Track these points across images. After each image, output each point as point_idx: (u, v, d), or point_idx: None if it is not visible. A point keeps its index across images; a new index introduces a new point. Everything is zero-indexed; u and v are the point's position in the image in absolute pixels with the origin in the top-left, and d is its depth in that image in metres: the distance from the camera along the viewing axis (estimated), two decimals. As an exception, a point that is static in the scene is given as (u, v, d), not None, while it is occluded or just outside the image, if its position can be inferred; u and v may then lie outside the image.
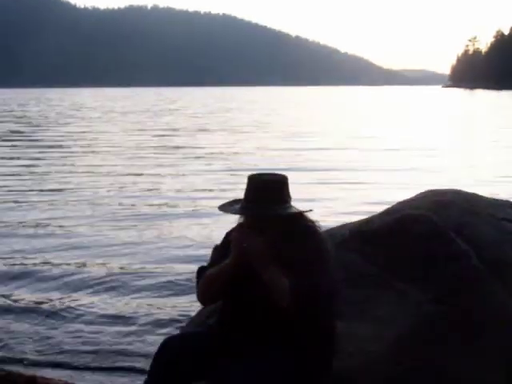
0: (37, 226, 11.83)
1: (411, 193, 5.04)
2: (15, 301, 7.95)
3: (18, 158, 22.85)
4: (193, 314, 5.55)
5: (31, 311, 7.64)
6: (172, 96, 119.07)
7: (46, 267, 9.28)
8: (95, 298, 8.12)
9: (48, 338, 6.84)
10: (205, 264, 3.64)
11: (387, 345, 3.71)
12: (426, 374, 3.66)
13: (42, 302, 7.91)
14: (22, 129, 36.90)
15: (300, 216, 3.46)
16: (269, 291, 3.24)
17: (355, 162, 19.68)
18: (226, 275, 3.38)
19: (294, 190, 3.53)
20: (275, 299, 3.23)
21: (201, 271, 3.57)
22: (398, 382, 3.62)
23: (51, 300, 8.02)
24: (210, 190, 15.23)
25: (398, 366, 3.65)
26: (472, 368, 3.70)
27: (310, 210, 3.47)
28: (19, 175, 18.46)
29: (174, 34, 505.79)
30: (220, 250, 3.58)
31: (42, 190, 15.84)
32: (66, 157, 23.23)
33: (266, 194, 3.33)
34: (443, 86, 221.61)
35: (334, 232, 4.55)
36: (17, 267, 9.36)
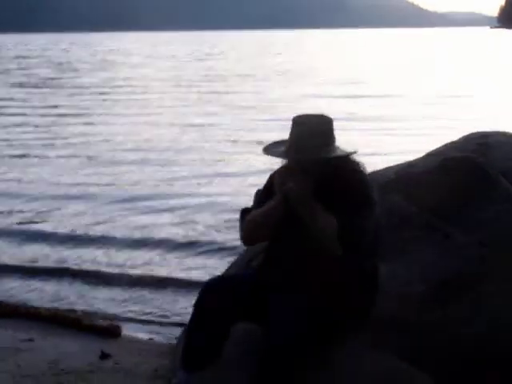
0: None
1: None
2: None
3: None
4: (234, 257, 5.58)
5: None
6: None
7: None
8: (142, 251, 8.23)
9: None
10: (248, 206, 3.63)
11: (430, 288, 3.69)
12: (468, 317, 3.64)
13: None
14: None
15: (345, 157, 3.42)
16: (318, 236, 3.23)
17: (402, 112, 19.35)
18: (269, 216, 3.37)
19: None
20: (326, 245, 3.23)
21: (244, 213, 3.57)
22: (440, 325, 3.60)
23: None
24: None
25: (440, 309, 3.63)
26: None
27: (355, 152, 3.42)
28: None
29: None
30: (264, 193, 3.56)
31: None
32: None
33: (311, 135, 3.29)
34: (491, 27, 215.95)
35: (378, 174, 4.50)
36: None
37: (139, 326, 5.96)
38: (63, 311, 6.03)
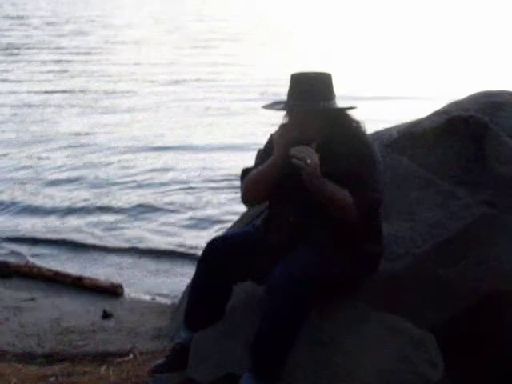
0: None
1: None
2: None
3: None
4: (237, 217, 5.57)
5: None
6: None
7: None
8: (142, 200, 8.25)
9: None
10: (249, 166, 3.60)
11: (436, 247, 3.66)
12: (473, 277, 3.63)
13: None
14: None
15: (344, 116, 3.37)
16: (334, 212, 3.20)
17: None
18: (269, 174, 3.33)
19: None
20: (341, 216, 3.20)
21: (245, 173, 3.53)
22: (446, 284, 3.60)
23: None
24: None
25: (446, 268, 3.62)
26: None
27: (355, 107, 3.37)
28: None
29: None
30: (264, 153, 3.53)
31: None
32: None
33: (311, 90, 3.24)
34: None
35: (381, 134, 4.45)
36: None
37: (141, 285, 5.97)
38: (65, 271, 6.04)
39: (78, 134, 11.88)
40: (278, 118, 3.45)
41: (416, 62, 21.41)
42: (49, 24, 42.77)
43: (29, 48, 27.71)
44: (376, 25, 37.08)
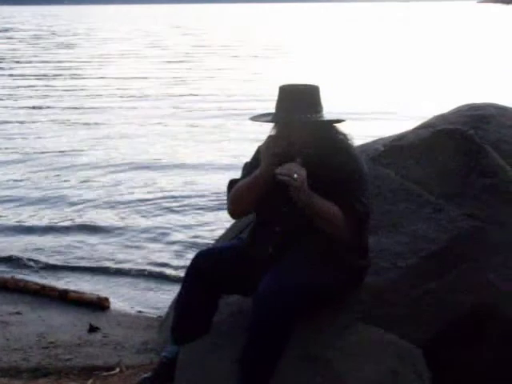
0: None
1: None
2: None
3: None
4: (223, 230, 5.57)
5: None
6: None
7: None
8: (126, 217, 8.23)
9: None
10: (236, 178, 3.60)
11: (421, 260, 3.68)
12: (458, 290, 3.64)
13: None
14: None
15: (332, 128, 3.38)
16: (323, 227, 3.22)
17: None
18: (256, 185, 3.34)
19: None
20: (329, 229, 3.21)
21: (231, 184, 3.53)
22: (432, 297, 3.61)
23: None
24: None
25: (432, 281, 3.63)
26: (505, 281, 3.67)
27: (344, 121, 3.39)
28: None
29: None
30: (250, 165, 3.53)
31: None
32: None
33: (299, 102, 3.25)
34: (478, 2, 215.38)
35: (367, 147, 4.47)
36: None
37: (128, 298, 5.95)
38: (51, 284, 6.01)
39: (59, 151, 11.82)
40: (264, 133, 3.46)
41: (401, 78, 21.58)
42: (33, 37, 42.66)
43: (13, 62, 27.65)
44: (362, 42, 37.39)
